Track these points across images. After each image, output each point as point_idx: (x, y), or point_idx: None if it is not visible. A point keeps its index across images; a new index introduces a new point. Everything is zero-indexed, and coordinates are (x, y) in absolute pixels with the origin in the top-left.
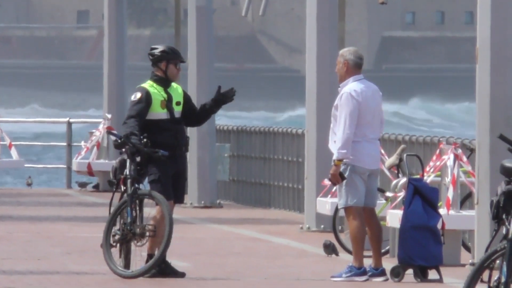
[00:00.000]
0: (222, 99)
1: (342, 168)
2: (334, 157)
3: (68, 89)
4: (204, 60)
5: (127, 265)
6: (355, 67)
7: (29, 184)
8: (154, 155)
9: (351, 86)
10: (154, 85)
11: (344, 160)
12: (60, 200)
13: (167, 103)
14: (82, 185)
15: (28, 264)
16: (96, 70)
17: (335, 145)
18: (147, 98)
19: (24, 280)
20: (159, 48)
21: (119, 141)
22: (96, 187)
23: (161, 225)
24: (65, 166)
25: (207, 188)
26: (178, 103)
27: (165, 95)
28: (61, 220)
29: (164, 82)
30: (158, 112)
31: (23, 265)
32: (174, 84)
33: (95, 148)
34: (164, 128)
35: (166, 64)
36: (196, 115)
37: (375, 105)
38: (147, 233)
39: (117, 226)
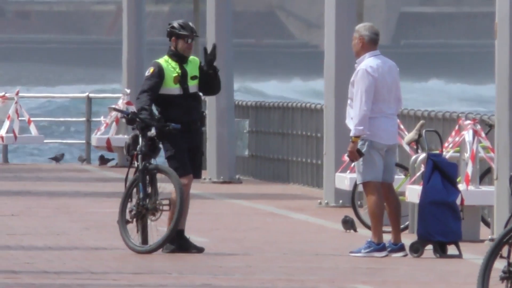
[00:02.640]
0: (210, 58)
1: (359, 144)
2: (351, 134)
3: (87, 64)
4: (222, 36)
5: (144, 240)
6: (370, 43)
7: (57, 159)
8: (164, 129)
9: (367, 62)
10: (169, 60)
11: (362, 136)
12: (79, 176)
13: (181, 78)
14: (103, 160)
15: (47, 240)
16: (115, 45)
17: (352, 122)
18: (159, 72)
19: (43, 255)
20: (171, 24)
21: (127, 117)
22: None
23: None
24: (84, 141)
25: (226, 164)
26: (194, 77)
27: (179, 71)
28: (80, 195)
29: (179, 57)
30: (170, 88)
31: (42, 240)
32: (192, 58)
33: (114, 123)
34: (176, 104)
35: (176, 39)
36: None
37: (392, 81)
38: (161, 207)
39: (133, 202)
